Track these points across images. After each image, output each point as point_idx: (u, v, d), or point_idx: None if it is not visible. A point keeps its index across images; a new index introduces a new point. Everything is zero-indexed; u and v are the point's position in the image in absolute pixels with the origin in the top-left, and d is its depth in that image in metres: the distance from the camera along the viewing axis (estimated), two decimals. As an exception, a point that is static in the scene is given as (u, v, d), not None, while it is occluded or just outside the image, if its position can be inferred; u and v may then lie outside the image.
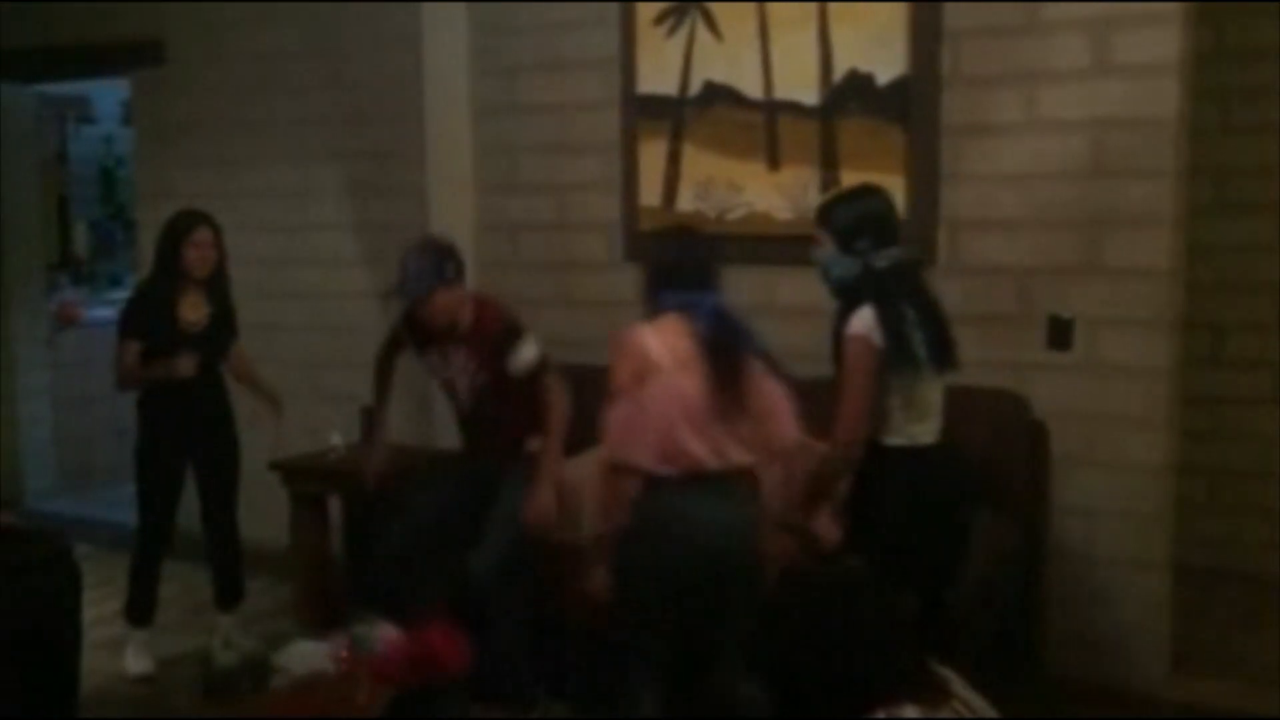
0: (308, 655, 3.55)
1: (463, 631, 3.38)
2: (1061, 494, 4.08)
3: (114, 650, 4.48)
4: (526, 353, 3.90)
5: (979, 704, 2.13)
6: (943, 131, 4.16)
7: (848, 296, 3.10)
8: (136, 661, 4.47)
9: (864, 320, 3.02)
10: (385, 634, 3.38)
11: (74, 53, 6.34)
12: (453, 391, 4.06)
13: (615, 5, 4.74)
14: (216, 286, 4.41)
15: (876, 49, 4.22)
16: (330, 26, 5.51)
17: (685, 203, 4.65)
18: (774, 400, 3.19)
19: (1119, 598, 4.02)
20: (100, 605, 4.46)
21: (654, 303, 3.26)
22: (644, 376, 3.11)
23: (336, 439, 4.96)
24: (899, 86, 4.20)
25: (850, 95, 4.30)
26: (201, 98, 5.93)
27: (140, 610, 4.49)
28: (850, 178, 4.12)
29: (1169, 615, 4.08)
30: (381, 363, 4.31)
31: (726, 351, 3.15)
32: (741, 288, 4.43)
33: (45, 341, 6.97)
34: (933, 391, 3.13)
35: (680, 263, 3.30)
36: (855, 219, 3.12)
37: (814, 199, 4.11)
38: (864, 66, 4.26)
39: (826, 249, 3.15)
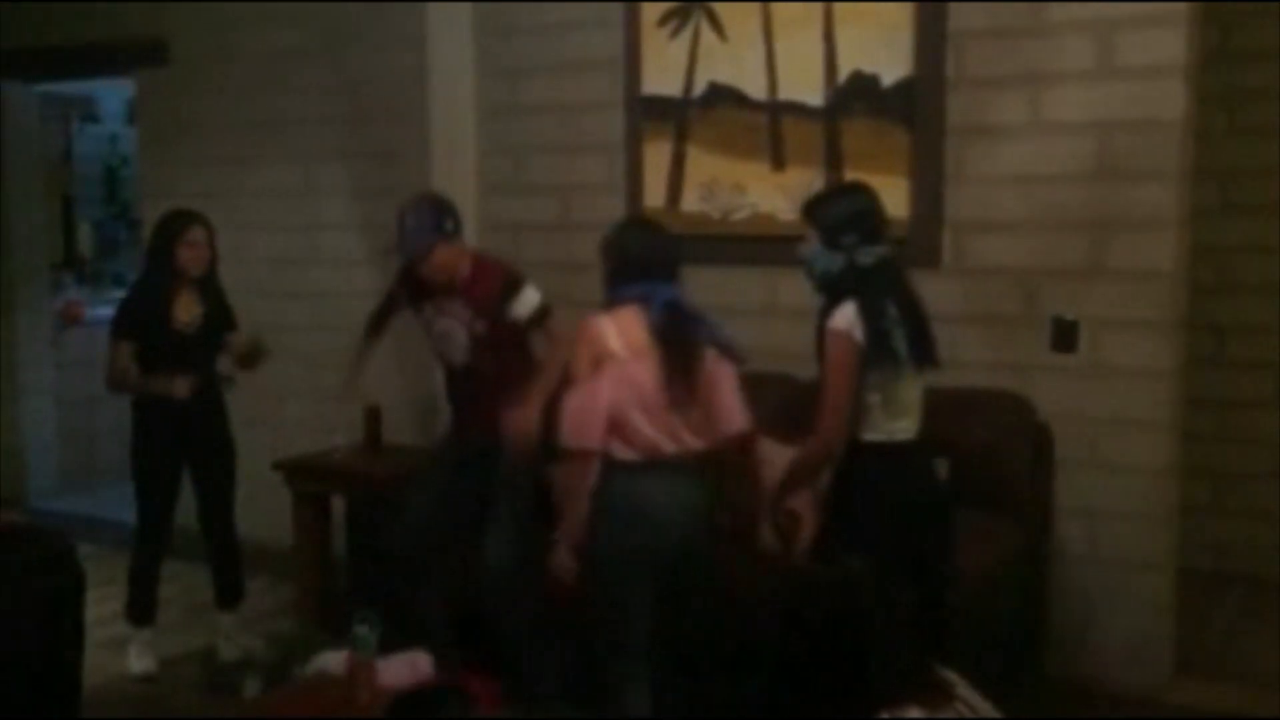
0: (332, 665, 3.54)
1: (495, 679, 3.43)
2: (1065, 495, 4.08)
3: (116, 649, 4.48)
4: (529, 298, 3.86)
5: (982, 705, 2.13)
6: (947, 133, 4.16)
7: (831, 292, 3.12)
8: (139, 661, 4.47)
9: (846, 316, 3.04)
10: (418, 663, 3.38)
11: (78, 52, 6.35)
12: (447, 347, 3.96)
13: (619, 6, 4.74)
14: (209, 286, 4.41)
15: (881, 50, 4.22)
16: (334, 26, 5.52)
17: (690, 204, 4.65)
18: (724, 389, 3.27)
19: (1122, 600, 4.01)
20: (103, 605, 4.46)
21: (613, 293, 3.32)
22: (600, 363, 3.18)
23: (339, 439, 4.96)
24: (903, 87, 4.20)
25: (855, 96, 4.29)
26: (205, 97, 5.93)
27: (141, 610, 4.49)
28: (854, 179, 4.11)
29: (1172, 618, 4.07)
30: (371, 326, 4.26)
31: (679, 341, 3.22)
32: (745, 288, 4.46)
33: (49, 341, 6.97)
34: (912, 389, 3.15)
35: (639, 256, 3.34)
36: (841, 215, 3.14)
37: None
38: (868, 67, 4.26)
39: (811, 244, 3.16)
